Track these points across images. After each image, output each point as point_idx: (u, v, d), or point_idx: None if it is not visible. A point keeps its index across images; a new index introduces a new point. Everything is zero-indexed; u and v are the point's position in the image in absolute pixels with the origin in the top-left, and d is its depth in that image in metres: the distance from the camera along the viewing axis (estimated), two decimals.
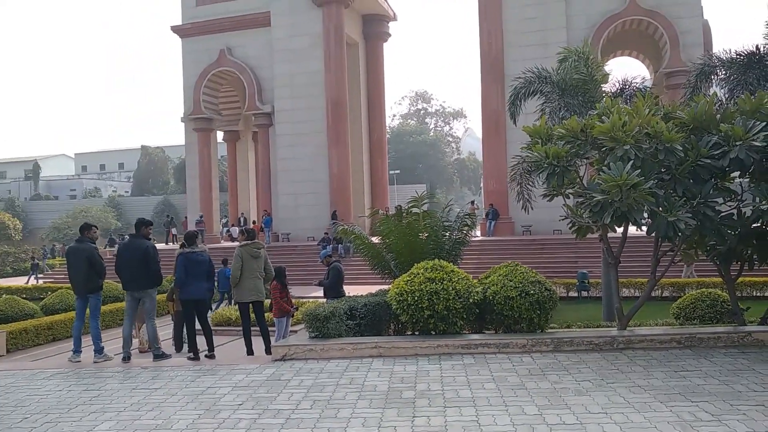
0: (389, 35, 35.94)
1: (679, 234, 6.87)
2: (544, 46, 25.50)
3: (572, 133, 7.65)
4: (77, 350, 8.20)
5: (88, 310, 8.19)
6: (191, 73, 31.65)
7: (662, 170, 7.32)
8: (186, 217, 34.30)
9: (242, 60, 30.90)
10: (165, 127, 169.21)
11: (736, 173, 7.67)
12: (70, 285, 8.51)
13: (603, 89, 13.08)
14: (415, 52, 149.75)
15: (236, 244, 31.50)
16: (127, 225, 59.12)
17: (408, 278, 7.66)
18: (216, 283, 14.57)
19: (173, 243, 33.61)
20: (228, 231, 32.96)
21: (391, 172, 44.32)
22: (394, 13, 35.39)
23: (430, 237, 9.82)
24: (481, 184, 42.53)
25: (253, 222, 32.25)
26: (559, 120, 11.13)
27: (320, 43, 29.32)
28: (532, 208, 11.69)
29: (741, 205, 7.54)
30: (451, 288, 7.38)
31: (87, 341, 8.33)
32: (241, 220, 33.46)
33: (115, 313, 14.65)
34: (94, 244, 8.27)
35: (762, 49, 13.94)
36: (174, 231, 34.41)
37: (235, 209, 35.99)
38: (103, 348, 8.18)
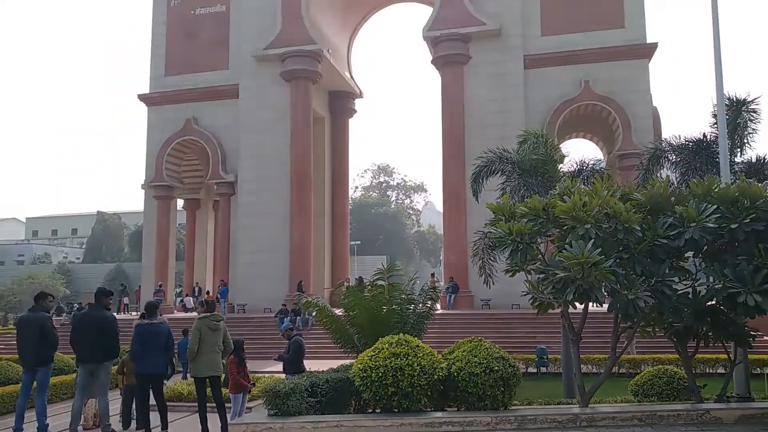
0: (355, 111, 36.90)
1: (639, 312, 7.02)
2: (503, 126, 26.48)
3: (534, 212, 7.88)
4: (18, 428, 7.71)
5: (34, 384, 7.76)
6: (156, 140, 31.62)
7: (621, 249, 7.54)
8: (139, 287, 33.38)
9: (208, 129, 31.11)
10: (122, 193, 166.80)
11: (690, 253, 7.97)
12: (17, 356, 8.09)
13: (561, 169, 13.62)
14: (379, 127, 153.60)
15: (190, 315, 30.76)
16: (76, 293, 57.09)
17: (372, 353, 7.53)
18: (176, 355, 14.04)
19: (124, 313, 32.60)
20: (182, 301, 32.14)
21: (352, 243, 44.30)
22: (360, 91, 36.46)
23: (395, 310, 9.77)
24: (441, 257, 43.01)
25: (208, 292, 31.64)
26: (520, 198, 11.50)
27: (287, 116, 29.82)
28: (493, 283, 11.84)
29: (696, 285, 7.80)
30: (416, 364, 7.28)
31: (30, 416, 7.84)
32: (196, 290, 32.75)
33: (59, 386, 13.86)
34: (48, 313, 7.95)
35: (708, 136, 14.88)
36: (126, 300, 33.45)
37: (190, 279, 35.26)
38: (47, 425, 7.71)
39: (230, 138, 30.84)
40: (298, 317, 24.07)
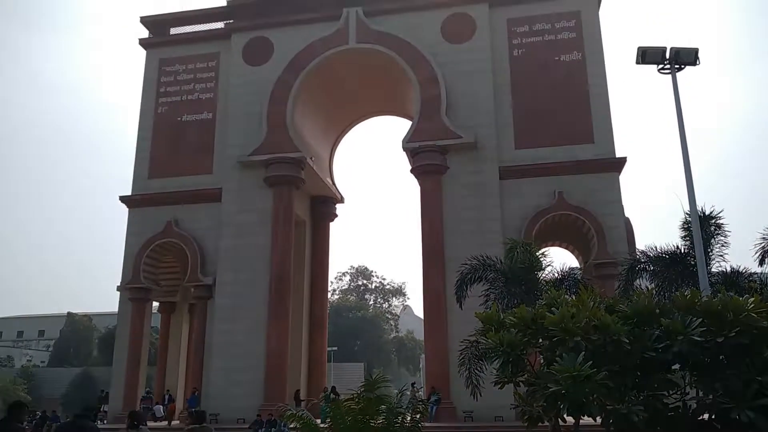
0: (336, 216, 37.43)
1: (633, 426, 6.96)
2: (481, 234, 26.99)
3: (523, 322, 7.96)
4: None
5: None
6: (135, 242, 31.44)
7: (610, 361, 7.58)
8: (107, 393, 31.90)
9: (188, 232, 31.11)
10: (94, 294, 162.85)
11: (677, 365, 8.03)
12: None
13: (542, 278, 13.84)
14: (359, 229, 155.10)
15: (159, 424, 29.27)
16: (38, 399, 54.17)
17: None
18: None
19: (103, 423, 30.84)
20: (151, 410, 30.66)
21: (329, 348, 43.39)
22: (342, 196, 37.19)
23: (383, 424, 9.50)
24: (420, 365, 42.26)
25: (173, 401, 30.46)
26: (504, 306, 11.60)
27: (268, 219, 30.08)
28: (480, 395, 11.64)
29: (686, 398, 7.80)
30: None
31: None
32: (166, 397, 31.39)
33: None
34: (22, 425, 7.59)
35: (682, 249, 15.45)
36: (105, 408, 31.67)
37: (161, 385, 33.87)
38: None
39: (210, 241, 30.84)
40: (273, 428, 23.08)
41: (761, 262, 15.83)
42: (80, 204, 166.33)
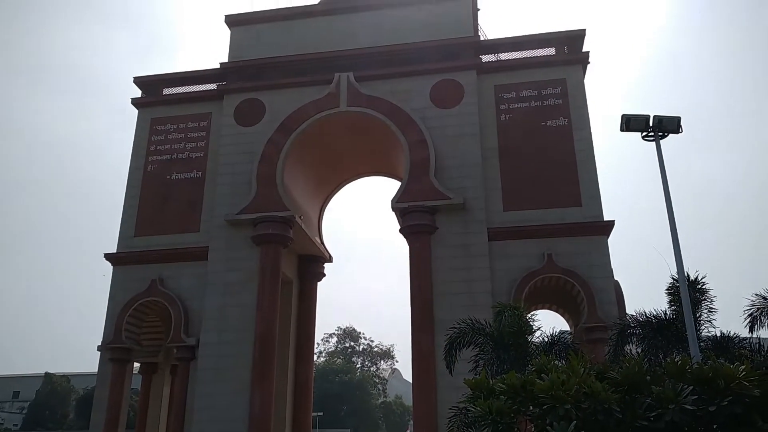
0: (324, 275, 37.15)
1: None
2: (471, 295, 26.83)
3: (513, 389, 7.76)
4: None
5: None
6: (118, 300, 30.88)
7: (601, 429, 7.36)
8: None
9: (173, 291, 30.64)
10: (73, 354, 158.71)
11: None
12: None
13: (532, 341, 13.63)
14: (347, 289, 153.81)
15: None
16: None
17: None
18: None
19: None
20: None
21: (314, 414, 42.18)
22: (330, 255, 37.03)
23: None
24: (408, 431, 41.17)
25: None
26: (494, 372, 11.35)
27: (255, 278, 29.75)
28: None
29: None
30: None
31: None
32: None
33: None
34: None
35: (668, 315, 15.41)
36: None
37: None
38: None
39: (195, 300, 30.36)
40: None
41: (751, 329, 15.75)
42: (62, 261, 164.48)
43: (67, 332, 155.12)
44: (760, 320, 16.11)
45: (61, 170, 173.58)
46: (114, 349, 30.10)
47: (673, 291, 15.87)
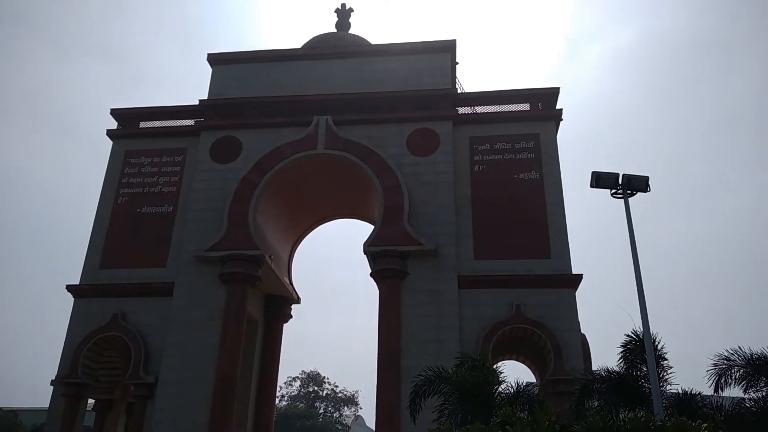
0: (290, 316, 36.65)
1: None
2: (439, 342, 26.67)
3: None
4: None
5: None
6: (77, 333, 29.90)
7: None
8: None
9: (135, 326, 29.81)
10: (21, 389, 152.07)
11: None
12: None
13: (498, 391, 13.54)
14: (313, 332, 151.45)
15: None
16: None
17: None
18: None
19: None
20: None
21: None
22: (299, 296, 36.62)
23: None
24: None
25: None
26: (458, 422, 11.20)
27: (220, 317, 29.16)
28: None
29: None
30: None
31: None
32: None
33: None
34: None
35: (622, 371, 15.68)
36: None
37: None
38: None
39: (156, 337, 29.55)
40: None
41: (716, 389, 15.93)
42: (18, 292, 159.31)
43: (18, 365, 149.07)
44: (725, 380, 16.32)
45: (20, 199, 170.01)
46: (69, 384, 28.99)
47: (627, 348, 16.13)
